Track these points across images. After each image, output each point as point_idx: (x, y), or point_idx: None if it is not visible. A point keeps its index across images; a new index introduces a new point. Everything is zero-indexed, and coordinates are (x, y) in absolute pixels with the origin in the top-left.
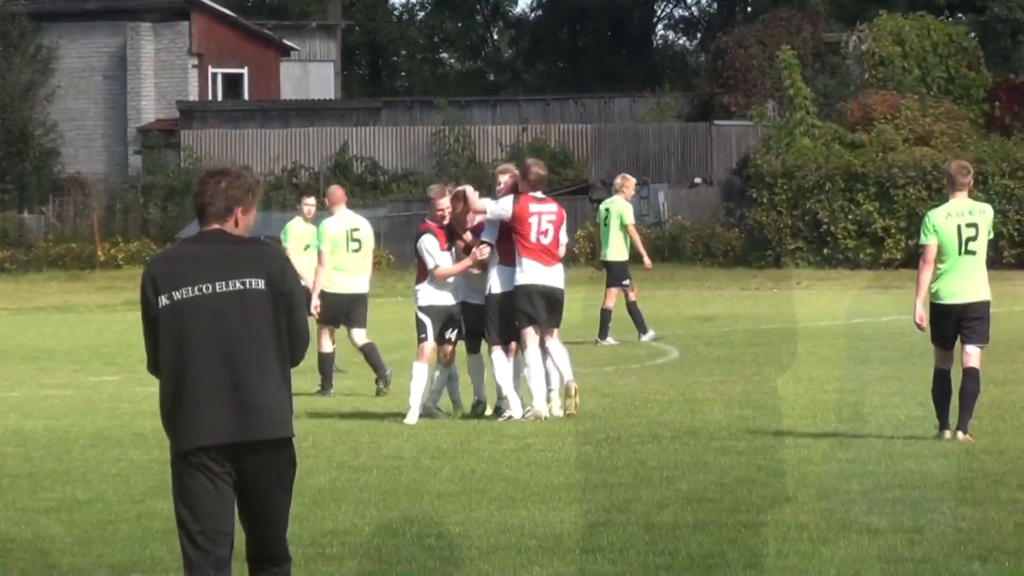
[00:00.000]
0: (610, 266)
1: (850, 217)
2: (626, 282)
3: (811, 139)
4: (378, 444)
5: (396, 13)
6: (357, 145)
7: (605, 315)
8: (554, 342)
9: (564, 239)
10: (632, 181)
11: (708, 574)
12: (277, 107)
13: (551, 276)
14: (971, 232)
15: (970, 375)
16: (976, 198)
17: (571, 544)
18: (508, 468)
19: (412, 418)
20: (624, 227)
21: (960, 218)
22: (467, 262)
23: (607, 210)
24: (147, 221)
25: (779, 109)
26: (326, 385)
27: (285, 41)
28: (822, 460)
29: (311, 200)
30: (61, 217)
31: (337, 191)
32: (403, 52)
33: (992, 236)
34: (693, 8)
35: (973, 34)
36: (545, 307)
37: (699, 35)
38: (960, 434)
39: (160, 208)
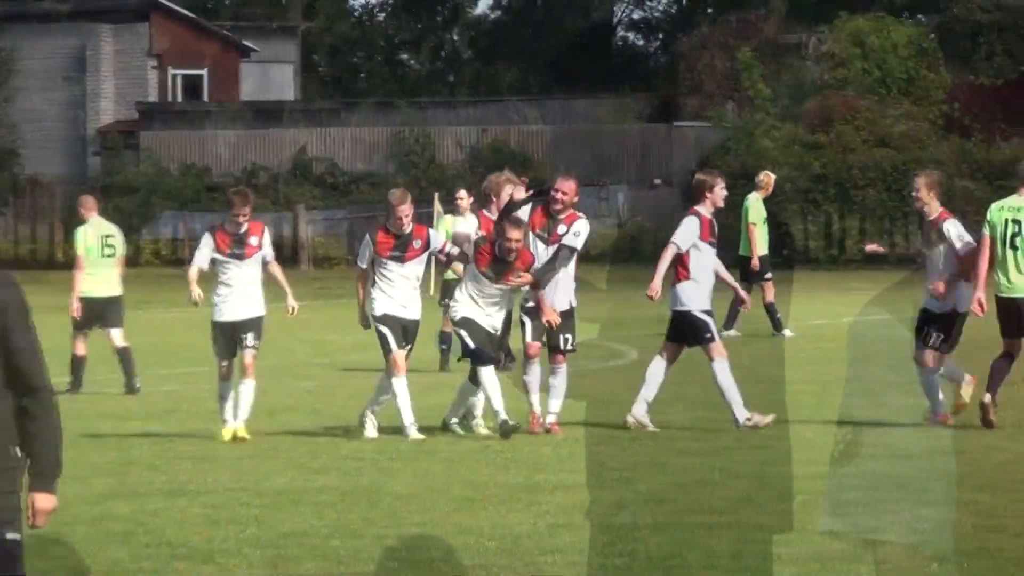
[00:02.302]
0: (749, 262)
1: (810, 218)
2: (768, 276)
3: (771, 140)
4: (336, 445)
5: (356, 15)
6: (317, 146)
7: (770, 309)
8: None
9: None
10: (774, 178)
11: (667, 575)
12: (237, 108)
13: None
14: (1015, 228)
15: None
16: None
17: (530, 545)
18: (467, 469)
19: (412, 433)
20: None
21: (1009, 213)
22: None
23: (747, 207)
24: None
25: (739, 110)
26: (75, 384)
27: (245, 42)
28: (781, 461)
29: (462, 193)
30: (21, 218)
31: (89, 199)
32: (363, 54)
33: None
34: (653, 10)
35: (933, 35)
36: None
37: (660, 37)
38: (985, 395)
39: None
